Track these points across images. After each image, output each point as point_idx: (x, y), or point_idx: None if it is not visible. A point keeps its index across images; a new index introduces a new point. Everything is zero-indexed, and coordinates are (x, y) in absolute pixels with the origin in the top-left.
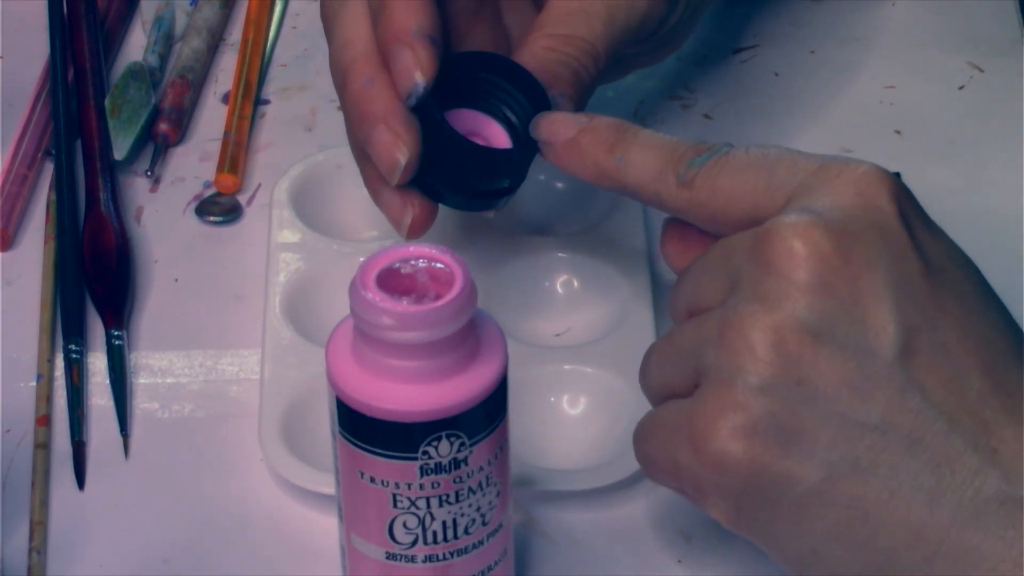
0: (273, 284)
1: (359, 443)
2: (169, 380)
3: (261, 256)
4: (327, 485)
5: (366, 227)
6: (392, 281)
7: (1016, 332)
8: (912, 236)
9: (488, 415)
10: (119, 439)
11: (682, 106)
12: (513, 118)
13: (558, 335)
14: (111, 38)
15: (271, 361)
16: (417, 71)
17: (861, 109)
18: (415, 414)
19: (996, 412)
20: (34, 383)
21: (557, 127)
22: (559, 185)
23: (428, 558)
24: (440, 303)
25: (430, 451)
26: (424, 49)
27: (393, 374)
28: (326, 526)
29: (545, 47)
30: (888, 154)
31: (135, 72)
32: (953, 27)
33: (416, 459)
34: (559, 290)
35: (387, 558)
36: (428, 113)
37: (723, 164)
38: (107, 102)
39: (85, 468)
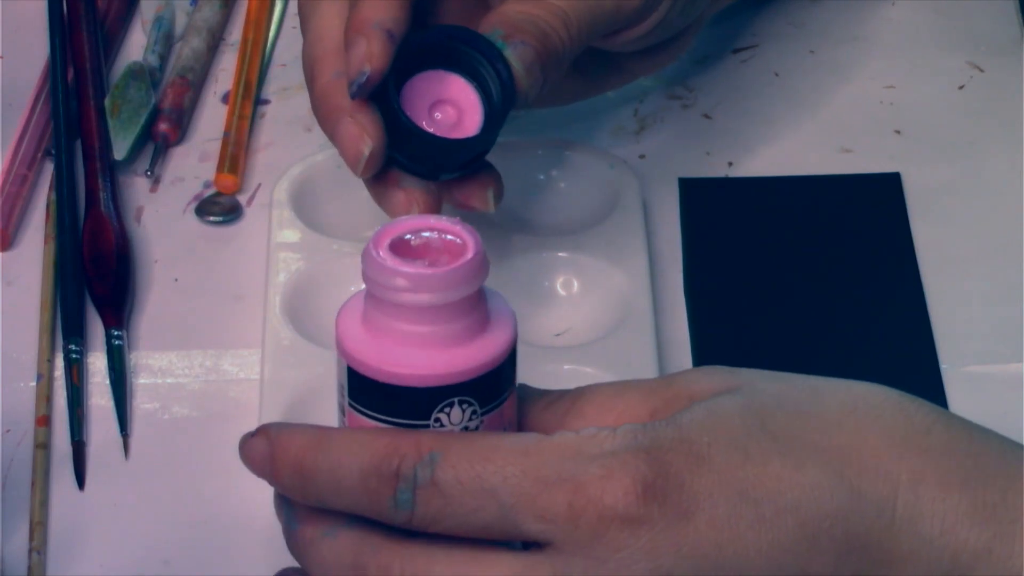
0: (273, 284)
1: (371, 413)
2: (169, 380)
3: (261, 256)
4: None
5: (366, 227)
6: (404, 251)
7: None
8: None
9: (498, 385)
10: (119, 439)
11: (682, 106)
12: (482, 78)
13: (558, 335)
14: (111, 38)
15: (271, 361)
16: (366, 62)
17: (861, 109)
18: (428, 377)
19: None
20: (34, 383)
21: (255, 465)
22: (559, 185)
23: None
24: (453, 266)
25: (442, 418)
26: (378, 40)
27: (406, 339)
28: None
29: (514, 9)
30: (888, 154)
31: (135, 72)
32: (953, 27)
33: (428, 426)
34: (559, 290)
35: None
36: (387, 102)
37: (436, 502)
38: (107, 102)
39: (85, 468)
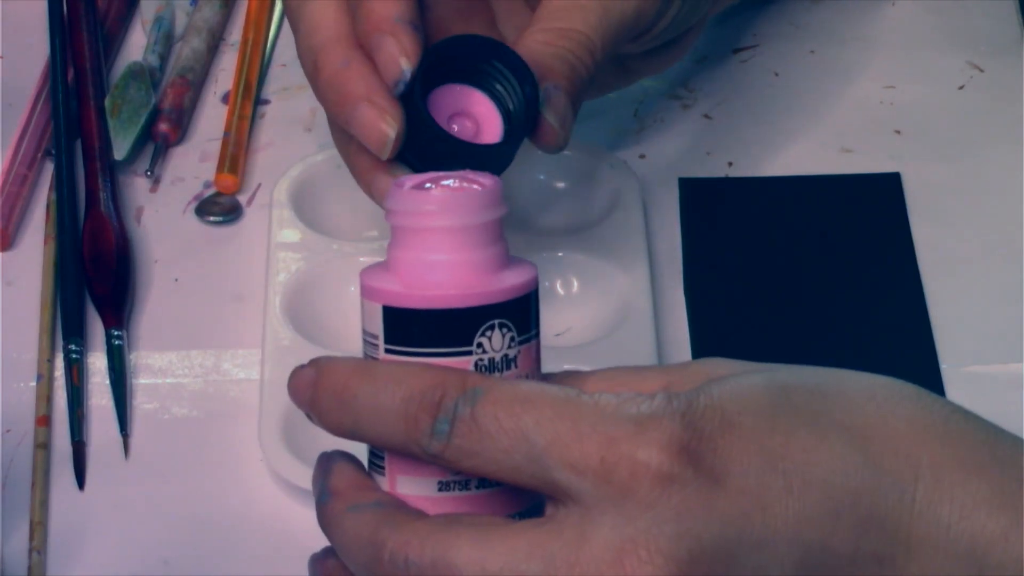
0: (273, 284)
1: (412, 349)
2: (169, 380)
3: (261, 256)
4: None
5: (366, 227)
6: None
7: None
8: (697, 467)
9: (530, 315)
10: (119, 439)
11: (682, 106)
12: (504, 97)
13: (558, 335)
14: (111, 38)
15: (271, 361)
16: (402, 58)
17: (861, 109)
18: (472, 296)
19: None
20: (34, 383)
21: (298, 393)
22: (559, 185)
23: (482, 482)
24: (482, 188)
25: (484, 343)
26: (407, 35)
27: (444, 266)
28: None
29: (540, 41)
30: (888, 154)
31: (135, 72)
32: (953, 27)
33: (471, 353)
34: (559, 290)
35: (439, 489)
36: (412, 103)
37: (473, 436)
38: (107, 102)
39: (85, 468)
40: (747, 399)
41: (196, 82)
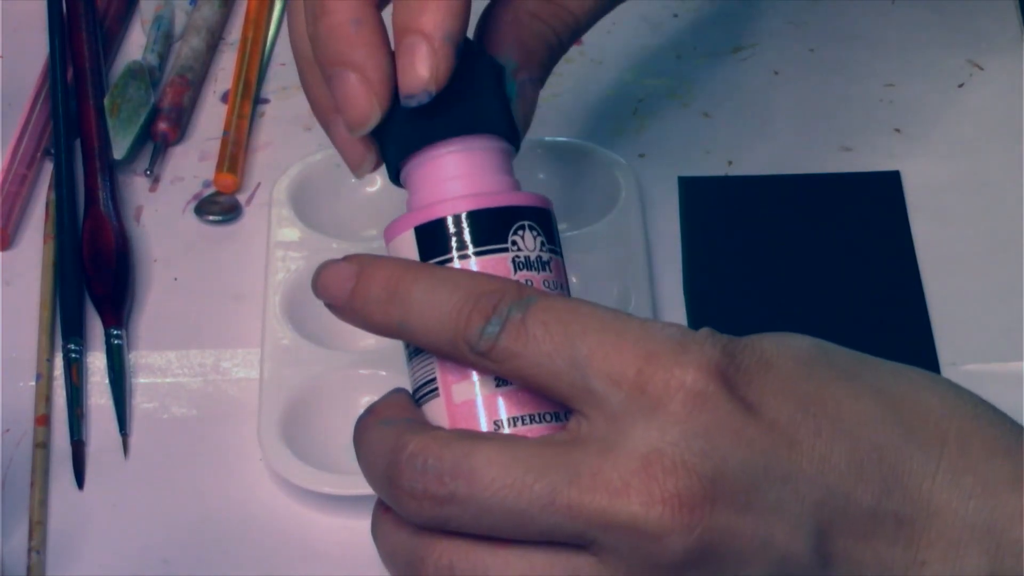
0: (272, 283)
1: (450, 256)
2: (168, 380)
3: (260, 255)
4: (327, 485)
5: (365, 226)
6: None
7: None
8: (746, 406)
9: (553, 233)
10: (118, 439)
11: (682, 104)
12: None
13: None
14: (110, 38)
15: (270, 361)
16: (432, 80)
17: (861, 107)
18: (495, 198)
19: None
20: (33, 383)
21: (332, 286)
22: (560, 185)
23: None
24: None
25: (518, 241)
26: (447, 59)
27: (460, 182)
28: (326, 526)
29: (530, 12)
30: (888, 152)
31: (134, 71)
32: (953, 25)
33: (507, 250)
34: None
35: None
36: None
37: (520, 339)
38: (106, 101)
39: (84, 468)
40: (788, 348)
41: (195, 81)
